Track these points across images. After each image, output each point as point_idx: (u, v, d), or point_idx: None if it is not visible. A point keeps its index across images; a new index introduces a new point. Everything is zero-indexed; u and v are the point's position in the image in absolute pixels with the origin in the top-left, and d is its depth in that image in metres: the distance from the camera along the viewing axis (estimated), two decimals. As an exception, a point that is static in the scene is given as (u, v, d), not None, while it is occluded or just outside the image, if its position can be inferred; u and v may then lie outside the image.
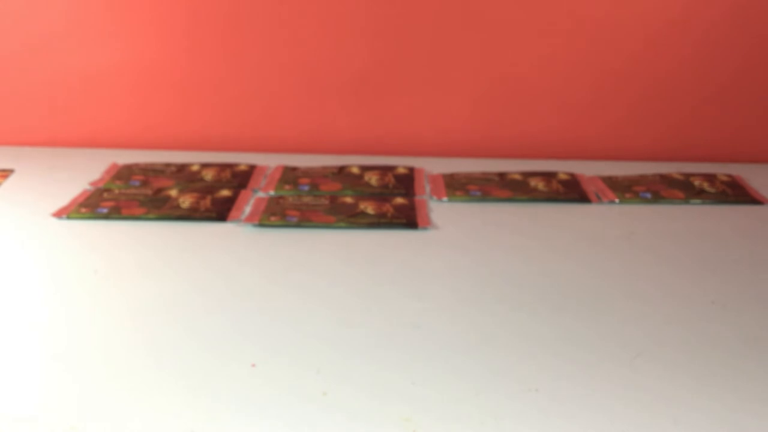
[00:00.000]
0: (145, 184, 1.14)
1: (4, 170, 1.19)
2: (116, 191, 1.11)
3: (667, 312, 0.83)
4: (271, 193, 1.12)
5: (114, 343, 0.78)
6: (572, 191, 1.12)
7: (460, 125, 1.29)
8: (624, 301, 0.86)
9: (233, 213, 1.05)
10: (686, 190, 1.13)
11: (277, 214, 1.04)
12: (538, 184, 1.14)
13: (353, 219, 1.04)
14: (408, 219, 1.04)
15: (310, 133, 1.30)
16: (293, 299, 0.85)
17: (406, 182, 1.15)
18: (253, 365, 0.74)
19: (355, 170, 1.18)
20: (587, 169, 1.20)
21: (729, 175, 1.18)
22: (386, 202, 1.08)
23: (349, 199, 1.09)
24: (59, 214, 1.05)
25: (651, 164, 1.24)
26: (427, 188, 1.14)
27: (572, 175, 1.17)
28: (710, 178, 1.17)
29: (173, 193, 1.10)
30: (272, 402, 0.69)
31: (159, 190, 1.11)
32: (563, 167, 1.21)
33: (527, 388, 0.71)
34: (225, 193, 1.11)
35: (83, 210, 1.06)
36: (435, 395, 0.70)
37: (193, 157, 1.24)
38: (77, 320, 0.82)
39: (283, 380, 0.72)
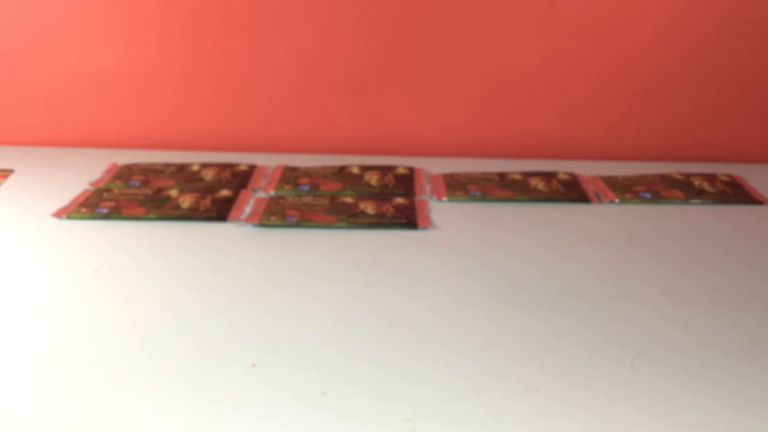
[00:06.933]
0: (145, 184, 1.14)
1: (4, 170, 1.19)
2: (116, 191, 1.11)
3: (667, 312, 0.83)
4: (271, 193, 1.12)
5: (114, 343, 0.78)
6: (572, 191, 1.12)
7: (460, 125, 1.29)
8: (624, 301, 0.86)
9: (233, 213, 1.05)
10: (686, 190, 1.13)
11: (277, 214, 1.04)
12: (538, 184, 1.14)
13: (353, 219, 1.04)
14: (408, 219, 1.04)
15: (310, 133, 1.30)
16: (293, 299, 0.85)
17: (406, 182, 1.15)
18: (253, 365, 0.74)
19: (355, 170, 1.18)
20: (587, 169, 1.20)
21: (729, 175, 1.18)
22: (386, 202, 1.08)
23: (349, 199, 1.09)
24: (59, 214, 1.05)
25: (651, 164, 1.24)
26: (427, 188, 1.14)
27: (572, 175, 1.17)
28: (710, 178, 1.17)
29: (173, 193, 1.10)
30: (272, 402, 0.69)
31: (159, 190, 1.11)
32: (563, 167, 1.21)
33: (527, 388, 0.71)
34: (225, 193, 1.11)
35: (83, 210, 1.06)
36: (435, 395, 0.70)
37: (193, 157, 1.24)
38: (77, 320, 0.82)
39: (283, 380, 0.72)
